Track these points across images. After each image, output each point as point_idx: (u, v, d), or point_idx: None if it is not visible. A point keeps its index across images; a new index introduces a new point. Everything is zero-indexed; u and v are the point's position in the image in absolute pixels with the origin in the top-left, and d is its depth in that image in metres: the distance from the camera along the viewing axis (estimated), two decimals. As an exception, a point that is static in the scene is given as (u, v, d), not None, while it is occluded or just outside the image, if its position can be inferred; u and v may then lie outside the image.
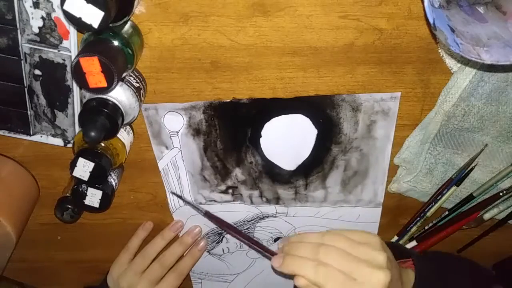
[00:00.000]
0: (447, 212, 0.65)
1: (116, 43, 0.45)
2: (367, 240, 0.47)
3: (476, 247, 0.70)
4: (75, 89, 0.52)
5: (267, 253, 0.51)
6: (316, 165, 0.62)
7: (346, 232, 0.48)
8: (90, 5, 0.38)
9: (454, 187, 0.61)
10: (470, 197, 0.62)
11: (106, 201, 0.57)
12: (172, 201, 0.66)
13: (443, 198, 0.62)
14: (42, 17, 0.47)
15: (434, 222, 0.66)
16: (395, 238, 0.70)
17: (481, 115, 0.54)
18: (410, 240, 0.68)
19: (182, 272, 0.67)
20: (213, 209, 0.66)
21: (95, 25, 0.39)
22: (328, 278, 0.44)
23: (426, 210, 0.64)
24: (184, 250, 0.67)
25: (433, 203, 0.63)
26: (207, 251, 0.72)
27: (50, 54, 0.50)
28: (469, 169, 0.59)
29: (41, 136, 0.56)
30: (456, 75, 0.52)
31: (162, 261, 0.65)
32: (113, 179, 0.59)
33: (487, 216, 0.61)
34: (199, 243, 0.69)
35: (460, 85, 0.52)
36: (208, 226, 0.69)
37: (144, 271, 0.65)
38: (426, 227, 0.67)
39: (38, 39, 0.49)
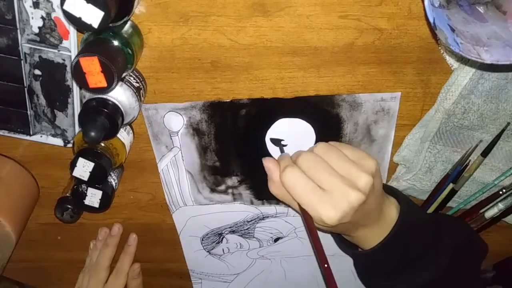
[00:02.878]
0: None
1: (116, 43, 0.45)
2: (359, 160, 0.46)
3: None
4: (75, 89, 0.52)
5: None
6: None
7: (342, 146, 0.47)
8: (90, 5, 0.38)
9: (451, 185, 0.61)
10: (452, 192, 0.62)
11: (106, 201, 0.57)
12: (172, 201, 0.66)
13: (441, 196, 0.62)
14: (42, 17, 0.47)
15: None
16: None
17: (481, 112, 0.54)
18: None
19: (120, 269, 0.69)
20: (213, 209, 0.66)
21: (95, 25, 0.39)
22: (290, 179, 0.43)
23: (426, 210, 0.64)
24: (113, 249, 0.69)
25: (433, 201, 0.63)
26: (207, 251, 0.72)
27: (50, 54, 0.50)
28: (464, 165, 0.59)
29: (41, 136, 0.56)
30: (456, 73, 0.52)
31: (97, 264, 0.68)
32: (113, 179, 0.59)
33: (488, 214, 0.61)
34: (129, 239, 0.70)
35: (460, 82, 0.52)
36: (207, 227, 0.69)
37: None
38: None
39: (38, 39, 0.49)
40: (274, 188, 0.50)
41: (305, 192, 0.45)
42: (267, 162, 0.50)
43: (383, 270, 0.51)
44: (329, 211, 0.44)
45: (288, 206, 0.51)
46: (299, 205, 0.47)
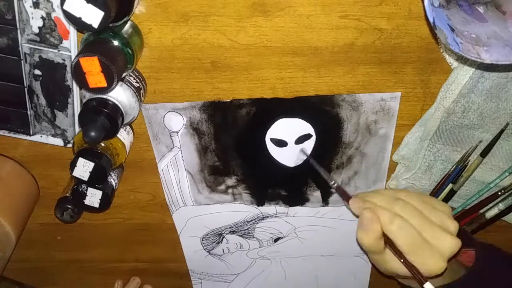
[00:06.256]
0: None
1: (116, 43, 0.45)
2: (440, 207, 0.46)
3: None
4: (75, 89, 0.52)
5: (344, 196, 0.50)
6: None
7: (421, 194, 0.47)
8: (90, 5, 0.38)
9: (450, 185, 0.61)
10: (452, 192, 0.62)
11: (106, 201, 0.57)
12: (172, 201, 0.66)
13: (441, 196, 0.62)
14: (42, 17, 0.47)
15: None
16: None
17: (481, 111, 0.54)
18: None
19: None
20: (213, 209, 0.66)
21: (95, 25, 0.39)
22: (401, 230, 0.43)
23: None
24: None
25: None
26: (207, 252, 0.72)
27: (50, 54, 0.50)
28: (463, 164, 0.59)
29: (41, 136, 0.56)
30: (456, 71, 0.52)
31: None
32: (113, 179, 0.59)
33: (488, 214, 0.61)
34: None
35: (460, 81, 0.52)
36: (207, 227, 0.69)
37: None
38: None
39: (38, 39, 0.49)
40: (370, 239, 0.44)
41: (414, 246, 0.43)
42: (366, 212, 0.45)
43: None
44: (439, 263, 0.43)
45: (373, 258, 0.47)
46: (404, 258, 0.44)
